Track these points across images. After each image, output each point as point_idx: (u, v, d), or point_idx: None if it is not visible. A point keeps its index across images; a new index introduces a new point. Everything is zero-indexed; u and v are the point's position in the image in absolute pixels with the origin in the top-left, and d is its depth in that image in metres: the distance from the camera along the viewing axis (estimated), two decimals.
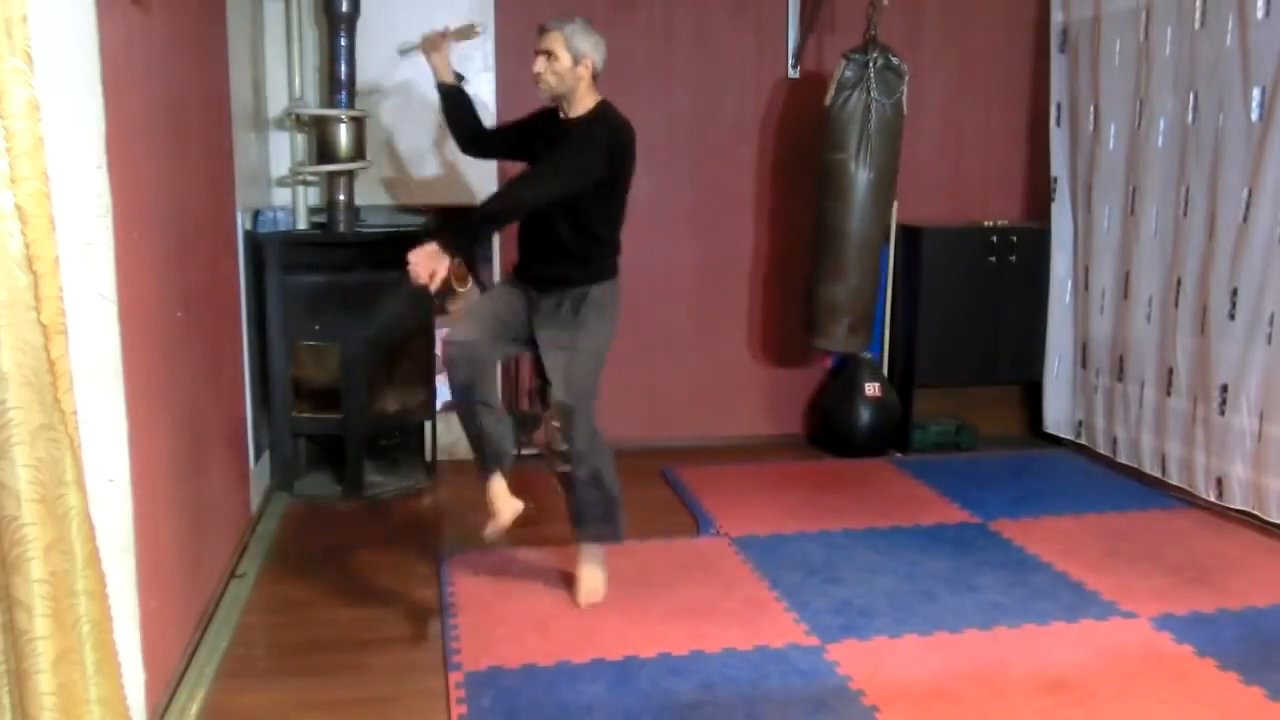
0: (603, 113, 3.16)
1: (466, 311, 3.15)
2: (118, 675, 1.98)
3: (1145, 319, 4.45)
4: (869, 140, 4.43)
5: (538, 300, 3.18)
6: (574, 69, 3.08)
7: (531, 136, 3.23)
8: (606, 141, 3.06)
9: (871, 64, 4.41)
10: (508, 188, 3.20)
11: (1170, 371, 4.30)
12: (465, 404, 3.12)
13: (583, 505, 3.28)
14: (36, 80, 1.79)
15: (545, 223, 3.08)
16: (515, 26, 4.72)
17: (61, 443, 1.79)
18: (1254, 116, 3.87)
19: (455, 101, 3.43)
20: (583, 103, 3.14)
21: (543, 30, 3.09)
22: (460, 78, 3.49)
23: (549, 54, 3.06)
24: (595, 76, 3.15)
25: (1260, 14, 3.82)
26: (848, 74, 4.45)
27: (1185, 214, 4.21)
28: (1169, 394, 4.31)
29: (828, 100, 4.51)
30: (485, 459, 3.17)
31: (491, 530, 3.17)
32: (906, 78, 4.49)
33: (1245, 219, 3.89)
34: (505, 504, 3.15)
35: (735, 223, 5.04)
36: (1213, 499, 4.05)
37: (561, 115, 3.16)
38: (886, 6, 4.48)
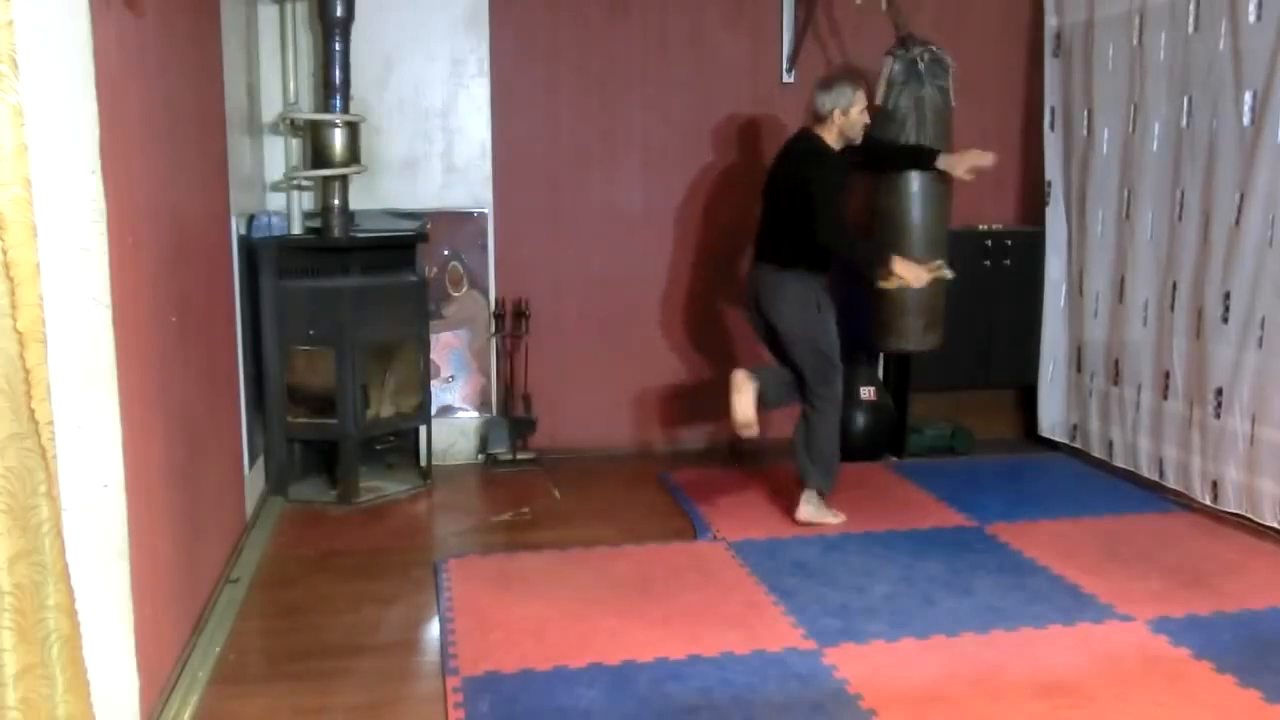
0: None
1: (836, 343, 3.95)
2: (87, 694, 1.95)
3: (1141, 323, 4.45)
4: (926, 132, 4.32)
5: None
6: None
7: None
8: None
9: (919, 59, 4.34)
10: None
11: (1166, 375, 4.30)
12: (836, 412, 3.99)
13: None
14: (28, 86, 1.78)
15: None
16: (509, 28, 4.73)
17: (34, 453, 1.75)
18: (1245, 120, 3.88)
19: None
20: None
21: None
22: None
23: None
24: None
25: (1252, 18, 3.83)
26: (897, 69, 4.35)
27: (1180, 218, 4.22)
28: (1165, 397, 4.31)
29: (878, 99, 4.39)
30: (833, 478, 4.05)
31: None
32: (951, 69, 4.37)
33: (1237, 222, 3.90)
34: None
35: (731, 227, 5.04)
36: (1208, 502, 4.05)
37: None
38: (879, 6, 4.45)
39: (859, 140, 3.90)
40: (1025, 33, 5.14)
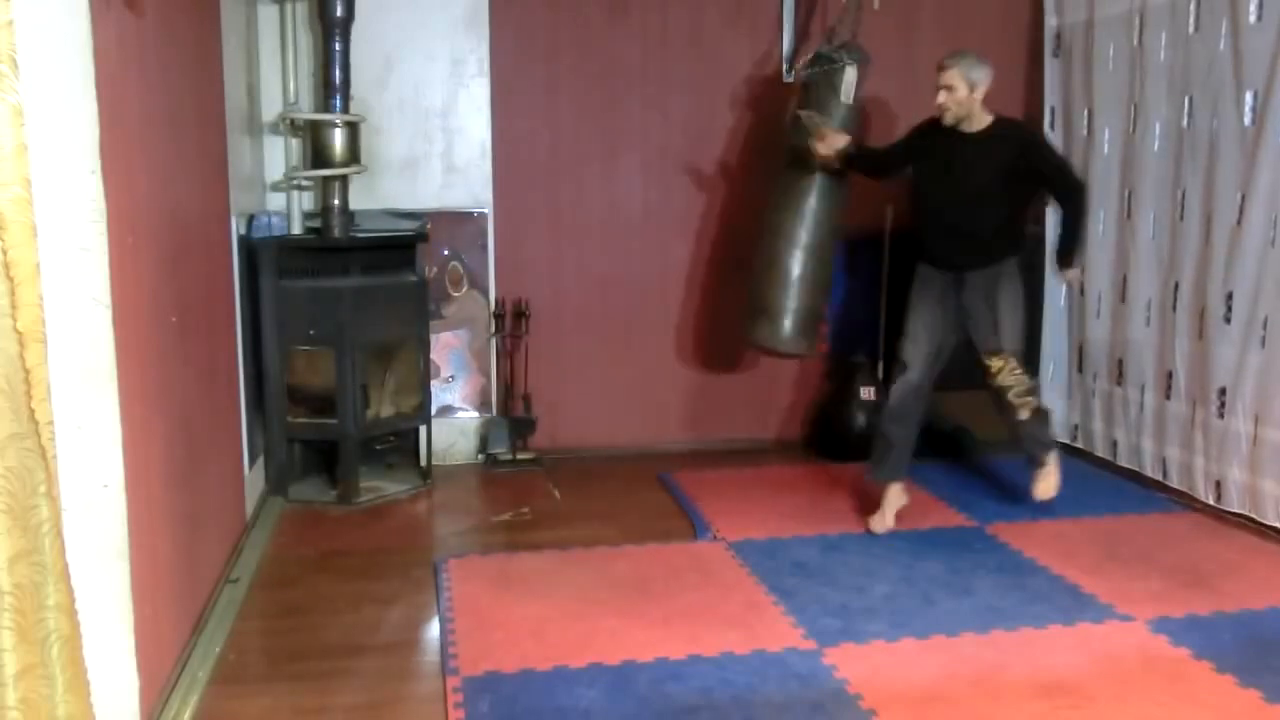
0: (1011, 121, 3.89)
1: (911, 338, 3.90)
2: (87, 694, 1.95)
3: (1144, 322, 4.45)
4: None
5: (961, 282, 3.82)
6: (970, 95, 3.69)
7: (917, 152, 3.92)
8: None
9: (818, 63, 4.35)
10: (1081, 205, 3.94)
11: (1169, 375, 4.30)
12: (891, 419, 3.96)
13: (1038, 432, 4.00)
14: (28, 86, 1.78)
15: (973, 215, 3.74)
16: (509, 28, 4.73)
17: (34, 453, 1.75)
18: (1246, 120, 3.87)
19: (858, 162, 4.15)
20: (980, 119, 3.76)
21: (941, 68, 3.72)
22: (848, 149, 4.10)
23: (949, 87, 3.70)
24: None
25: (1253, 18, 3.83)
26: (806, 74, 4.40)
27: (1182, 218, 4.22)
28: (1168, 398, 4.31)
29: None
30: (885, 467, 3.98)
31: (877, 523, 3.94)
32: (847, 65, 4.31)
33: (1239, 222, 3.90)
34: (891, 507, 3.97)
35: (731, 227, 5.05)
36: (1212, 502, 4.05)
37: (961, 130, 3.78)
38: (859, 12, 4.44)
39: (945, 121, 3.76)
40: (1025, 33, 5.14)
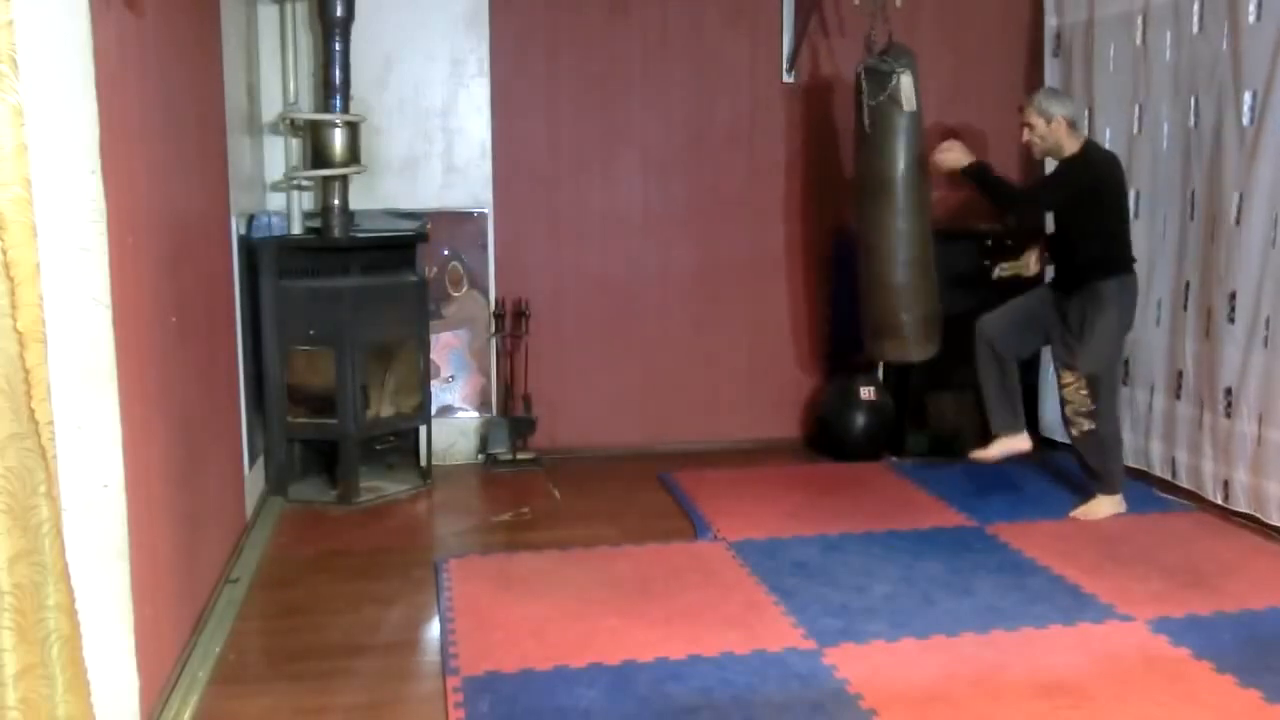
0: (1074, 156, 3.94)
1: (1007, 305, 4.20)
2: (87, 694, 1.95)
3: (1154, 323, 4.45)
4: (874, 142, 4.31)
5: (1062, 297, 4.03)
6: (1049, 127, 3.88)
7: None
8: (1070, 179, 3.94)
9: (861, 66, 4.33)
10: (1017, 190, 4.22)
11: (1179, 375, 4.29)
12: (979, 368, 4.14)
13: (1089, 457, 4.10)
14: (28, 85, 1.78)
15: (1062, 236, 4.05)
16: (509, 28, 4.73)
17: (34, 453, 1.75)
18: (1245, 120, 3.88)
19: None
20: (1067, 149, 3.93)
21: (1020, 110, 4.01)
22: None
23: (1029, 125, 3.94)
24: (1073, 126, 3.95)
25: (1252, 18, 3.83)
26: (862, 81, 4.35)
27: (1192, 217, 4.22)
28: (1178, 398, 4.31)
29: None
30: (993, 421, 4.16)
31: (979, 453, 4.20)
32: (900, 74, 4.23)
33: (1238, 222, 3.90)
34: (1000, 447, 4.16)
35: (731, 227, 5.05)
36: (1220, 502, 4.05)
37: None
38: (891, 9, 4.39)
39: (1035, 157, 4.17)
40: (1025, 33, 5.14)
